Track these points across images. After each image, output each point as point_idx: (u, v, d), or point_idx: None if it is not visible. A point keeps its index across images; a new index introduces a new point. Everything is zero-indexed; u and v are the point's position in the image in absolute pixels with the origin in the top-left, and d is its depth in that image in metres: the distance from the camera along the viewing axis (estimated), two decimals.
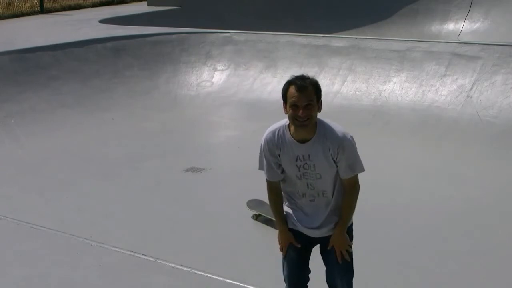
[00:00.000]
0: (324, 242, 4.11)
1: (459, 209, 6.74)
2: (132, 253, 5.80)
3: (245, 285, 5.21)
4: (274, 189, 4.13)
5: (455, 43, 10.74)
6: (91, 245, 6.03)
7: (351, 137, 3.90)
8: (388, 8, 18.80)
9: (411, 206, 6.86)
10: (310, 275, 4.29)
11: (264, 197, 6.68)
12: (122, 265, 5.67)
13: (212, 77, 11.70)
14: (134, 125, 10.25)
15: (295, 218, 4.13)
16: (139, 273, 5.51)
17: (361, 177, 7.14)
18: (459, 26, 18.24)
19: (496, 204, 6.88)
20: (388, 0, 18.86)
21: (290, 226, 4.16)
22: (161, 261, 5.63)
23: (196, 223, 6.57)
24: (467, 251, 5.80)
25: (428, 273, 5.39)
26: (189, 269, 5.47)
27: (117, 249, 5.89)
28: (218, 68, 11.80)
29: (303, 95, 3.79)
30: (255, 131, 9.49)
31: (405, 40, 10.70)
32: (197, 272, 5.43)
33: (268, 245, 5.90)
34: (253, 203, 6.66)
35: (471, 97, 9.19)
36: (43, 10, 18.11)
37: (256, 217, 6.55)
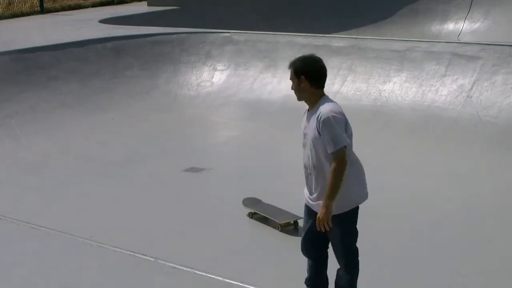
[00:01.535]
0: None
1: (459, 209, 6.74)
2: (132, 253, 5.79)
3: (245, 285, 5.20)
4: None
5: (455, 43, 10.73)
6: (91, 245, 6.03)
7: (333, 116, 4.24)
8: (388, 8, 18.80)
9: (411, 206, 6.85)
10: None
11: (262, 196, 6.73)
12: (122, 265, 5.67)
13: (212, 77, 11.70)
14: (134, 125, 10.25)
15: (305, 193, 4.54)
16: (139, 273, 5.51)
17: None
18: (459, 26, 18.24)
19: (496, 204, 6.88)
20: (388, 0, 18.87)
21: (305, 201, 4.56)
22: (161, 261, 5.63)
23: (196, 223, 6.57)
24: (467, 251, 5.80)
25: (428, 272, 5.39)
26: (189, 269, 5.47)
27: (117, 249, 5.89)
28: (218, 68, 11.80)
29: (290, 74, 4.46)
30: (255, 131, 9.57)
31: (405, 40, 10.70)
32: (197, 272, 5.43)
33: (268, 245, 5.91)
34: (248, 201, 6.68)
35: (471, 97, 9.19)
36: (43, 10, 18.11)
37: (252, 215, 6.56)
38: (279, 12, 17.80)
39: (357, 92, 10.13)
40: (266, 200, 6.68)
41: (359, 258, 4.54)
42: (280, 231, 6.15)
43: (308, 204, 4.50)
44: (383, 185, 7.40)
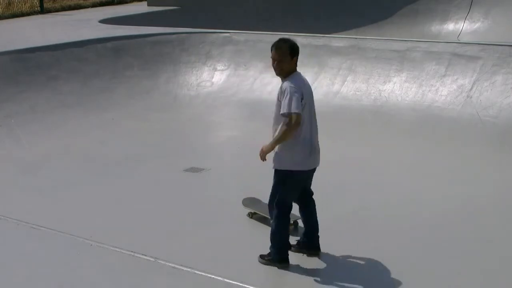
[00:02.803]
0: None
1: (459, 209, 6.74)
2: (132, 253, 5.79)
3: (245, 285, 5.21)
4: None
5: (455, 43, 10.73)
6: (91, 245, 6.03)
7: (291, 86, 5.22)
8: (388, 8, 18.81)
9: (411, 206, 6.85)
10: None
11: (262, 196, 6.73)
12: (122, 265, 5.67)
13: (212, 77, 11.70)
14: (134, 125, 10.25)
15: None
16: (139, 273, 5.51)
17: (361, 177, 7.16)
18: (459, 26, 18.24)
19: (496, 204, 6.89)
20: (388, 0, 18.87)
21: None
22: (161, 261, 5.63)
23: (196, 223, 6.57)
24: (467, 251, 5.80)
25: (428, 273, 5.39)
26: (189, 269, 5.47)
27: (117, 249, 5.89)
28: (218, 68, 11.80)
29: (278, 52, 5.37)
30: (255, 131, 9.55)
31: (405, 40, 10.70)
32: (197, 272, 5.43)
33: (268, 245, 5.90)
34: (248, 201, 6.68)
35: (471, 97, 9.19)
36: (43, 10, 18.11)
37: (252, 215, 6.56)
38: (279, 12, 17.81)
39: (357, 92, 10.13)
40: (266, 200, 6.66)
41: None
42: None
43: None
44: (383, 185, 7.42)
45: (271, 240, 5.51)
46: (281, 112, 5.19)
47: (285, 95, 5.19)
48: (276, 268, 5.47)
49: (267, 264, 5.50)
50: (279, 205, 5.44)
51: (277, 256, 5.46)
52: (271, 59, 5.43)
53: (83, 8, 19.07)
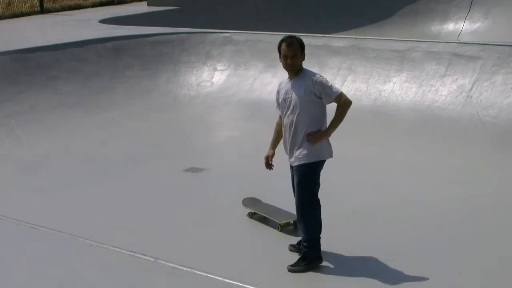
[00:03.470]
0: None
1: (459, 209, 6.73)
2: (132, 253, 5.79)
3: (245, 285, 5.20)
4: (278, 124, 5.66)
5: (455, 43, 10.73)
6: (91, 245, 6.03)
7: (321, 75, 5.34)
8: (388, 8, 18.81)
9: (411, 206, 6.85)
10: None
11: (262, 196, 6.73)
12: (122, 265, 5.67)
13: (212, 77, 11.70)
14: (134, 125, 10.25)
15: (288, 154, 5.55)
16: (139, 273, 5.51)
17: (361, 177, 7.17)
18: (459, 26, 18.25)
19: (496, 204, 6.88)
20: (388, 0, 18.87)
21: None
22: (161, 261, 5.63)
23: (196, 223, 6.57)
24: (467, 251, 5.80)
25: (428, 272, 5.39)
26: (189, 269, 5.47)
27: (117, 249, 5.89)
28: (218, 68, 11.80)
29: (290, 49, 5.27)
30: (255, 131, 9.56)
31: (405, 40, 10.69)
32: (197, 272, 5.43)
33: (268, 245, 5.91)
34: (248, 201, 6.68)
35: (471, 97, 9.19)
36: (43, 10, 18.12)
37: (252, 215, 6.56)
38: (279, 12, 17.81)
39: (357, 92, 10.13)
40: (266, 200, 6.68)
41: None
42: (280, 231, 6.16)
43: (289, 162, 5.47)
44: (383, 185, 7.41)
45: (309, 241, 5.38)
46: (329, 100, 5.30)
47: (323, 84, 5.27)
48: (275, 268, 5.47)
49: (306, 271, 5.36)
50: (312, 200, 5.37)
51: (317, 254, 5.40)
52: (282, 58, 5.32)
53: (83, 8, 19.08)
